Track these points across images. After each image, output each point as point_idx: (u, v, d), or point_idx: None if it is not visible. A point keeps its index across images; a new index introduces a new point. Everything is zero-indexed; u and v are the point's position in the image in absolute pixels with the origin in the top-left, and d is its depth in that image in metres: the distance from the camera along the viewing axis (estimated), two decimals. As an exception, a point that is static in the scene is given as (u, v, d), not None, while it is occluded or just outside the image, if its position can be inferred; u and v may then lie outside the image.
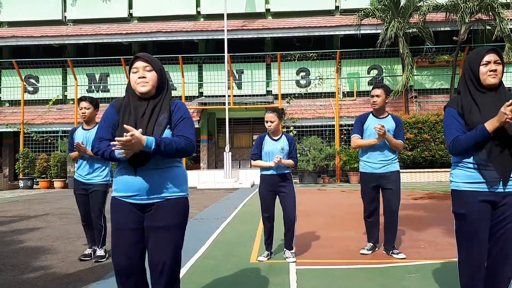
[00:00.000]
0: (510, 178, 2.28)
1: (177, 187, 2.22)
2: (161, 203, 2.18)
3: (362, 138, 4.17)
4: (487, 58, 2.30)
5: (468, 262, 2.36)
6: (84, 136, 4.18)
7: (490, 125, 2.19)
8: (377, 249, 4.39)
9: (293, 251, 4.14)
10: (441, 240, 4.98)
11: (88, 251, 4.36)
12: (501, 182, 2.27)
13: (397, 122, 4.17)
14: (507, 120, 2.11)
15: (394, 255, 4.14)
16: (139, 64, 2.17)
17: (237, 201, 9.43)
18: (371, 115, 4.23)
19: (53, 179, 14.57)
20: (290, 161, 4.10)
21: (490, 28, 14.48)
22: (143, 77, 2.14)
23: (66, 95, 17.97)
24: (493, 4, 13.83)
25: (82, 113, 4.18)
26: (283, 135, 4.15)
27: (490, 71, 2.29)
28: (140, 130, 2.00)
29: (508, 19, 14.03)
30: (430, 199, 9.21)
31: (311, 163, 14.32)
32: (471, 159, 2.33)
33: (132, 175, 2.15)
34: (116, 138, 1.98)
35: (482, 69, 2.31)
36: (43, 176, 14.75)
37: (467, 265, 2.38)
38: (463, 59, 15.57)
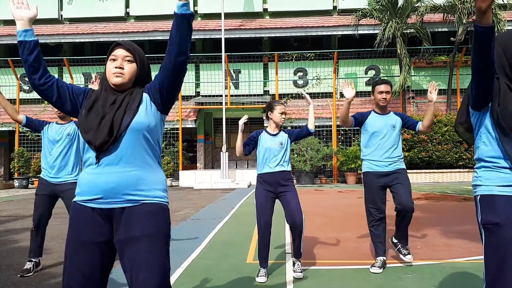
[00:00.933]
0: None
1: (153, 191, 1.82)
2: (135, 207, 1.77)
3: (354, 124, 3.96)
4: None
5: (501, 286, 1.75)
6: (57, 131, 3.93)
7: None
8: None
9: (299, 263, 3.68)
10: (438, 241, 4.97)
11: (29, 264, 3.84)
12: None
13: (401, 115, 4.00)
14: None
15: (401, 255, 3.85)
16: (119, 52, 1.89)
17: (234, 201, 9.40)
18: (373, 112, 3.95)
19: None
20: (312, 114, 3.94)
21: (487, 29, 14.49)
22: (120, 68, 1.86)
23: (62, 94, 17.89)
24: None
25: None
26: (281, 131, 3.82)
27: None
28: None
29: (505, 20, 14.08)
30: (426, 200, 9.21)
31: (308, 163, 14.31)
32: (505, 159, 1.82)
33: (99, 175, 1.78)
34: None
35: None
36: (38, 175, 14.63)
37: None
38: (461, 60, 15.62)
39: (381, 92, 3.88)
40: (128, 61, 1.90)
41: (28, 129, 15.51)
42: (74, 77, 16.71)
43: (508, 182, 1.82)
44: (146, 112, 1.85)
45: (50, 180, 3.92)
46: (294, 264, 3.70)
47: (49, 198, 3.96)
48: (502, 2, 14.33)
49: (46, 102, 16.75)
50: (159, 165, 1.93)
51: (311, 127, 3.86)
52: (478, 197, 1.91)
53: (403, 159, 3.96)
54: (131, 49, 1.91)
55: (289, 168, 3.77)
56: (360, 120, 3.96)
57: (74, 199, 1.88)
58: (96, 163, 1.80)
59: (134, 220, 1.76)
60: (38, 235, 3.95)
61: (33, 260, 3.90)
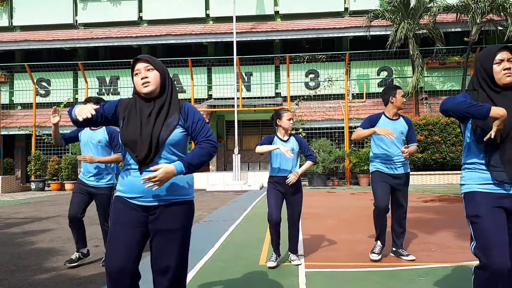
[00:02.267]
0: None
1: (182, 190, 2.18)
2: (166, 206, 2.14)
3: (371, 140, 4.20)
4: (499, 56, 2.20)
5: (487, 268, 2.13)
6: (88, 137, 4.12)
7: (496, 113, 2.02)
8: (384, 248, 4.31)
9: (299, 253, 4.13)
10: (452, 243, 4.93)
11: (76, 255, 4.22)
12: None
13: (409, 124, 4.19)
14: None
15: (403, 257, 4.14)
16: (140, 65, 2.16)
17: (246, 203, 9.44)
18: (383, 116, 4.17)
19: (64, 181, 14.73)
20: (306, 166, 4.11)
21: (501, 28, 14.31)
22: (146, 77, 2.13)
23: (77, 98, 18.17)
24: (505, 4, 13.67)
25: None
26: (292, 137, 4.12)
27: (504, 69, 2.18)
28: (164, 165, 2.03)
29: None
30: (440, 201, 9.12)
31: (320, 165, 14.27)
32: (483, 161, 2.22)
33: (138, 177, 2.10)
34: (141, 178, 2.04)
35: (496, 67, 2.20)
36: (54, 178, 14.92)
37: (485, 271, 2.14)
38: (474, 59, 15.41)
39: (403, 96, 4.14)
40: (150, 69, 2.15)
41: (51, 137, 15.81)
42: (89, 81, 16.97)
43: (485, 180, 2.21)
44: (179, 131, 2.16)
45: (87, 182, 4.17)
46: (289, 255, 4.15)
47: (83, 197, 4.19)
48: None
49: (61, 106, 17.06)
50: None
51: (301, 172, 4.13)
52: (463, 195, 2.33)
53: (408, 162, 4.23)
54: (149, 60, 2.17)
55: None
56: (370, 127, 4.11)
57: (117, 194, 2.21)
58: (138, 170, 2.12)
59: (165, 215, 2.13)
60: (75, 229, 4.23)
61: (80, 251, 4.23)
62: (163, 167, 2.01)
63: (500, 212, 2.18)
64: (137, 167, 2.12)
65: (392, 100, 4.10)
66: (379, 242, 4.18)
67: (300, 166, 4.15)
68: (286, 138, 4.08)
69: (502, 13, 13.98)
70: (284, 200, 4.10)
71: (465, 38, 14.84)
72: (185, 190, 2.20)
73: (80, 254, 4.24)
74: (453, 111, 2.15)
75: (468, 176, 2.30)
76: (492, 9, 13.82)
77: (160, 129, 2.09)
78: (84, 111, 2.08)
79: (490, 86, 2.22)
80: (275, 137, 4.11)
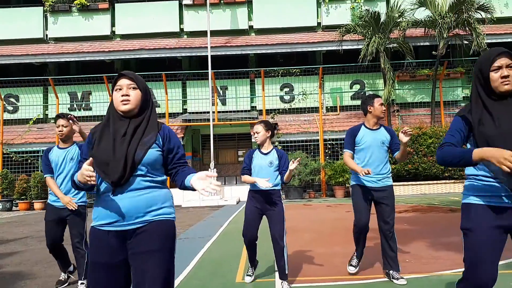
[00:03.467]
0: None
1: (160, 209, 2.05)
2: (144, 227, 2.00)
3: (354, 152, 3.96)
4: (497, 63, 2.05)
5: (470, 282, 2.10)
6: (60, 156, 3.96)
7: (479, 156, 1.92)
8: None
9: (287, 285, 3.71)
10: (426, 253, 5.00)
11: (63, 276, 4.19)
12: None
13: (391, 133, 4.01)
14: (503, 166, 1.81)
15: (394, 280, 3.82)
16: (123, 82, 2.06)
17: (223, 218, 9.34)
18: (363, 126, 3.99)
19: (33, 200, 14.22)
20: (288, 174, 3.78)
21: (467, 42, 14.89)
22: (127, 95, 2.04)
23: (47, 114, 17.71)
24: (469, 20, 14.26)
25: (59, 131, 3.94)
26: (274, 149, 3.93)
27: (502, 77, 2.03)
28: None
29: (484, 34, 14.47)
30: (414, 212, 9.27)
31: (296, 178, 14.32)
32: (486, 172, 2.10)
33: (112, 201, 1.98)
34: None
35: (493, 75, 2.06)
36: (22, 197, 14.37)
37: (467, 285, 2.12)
38: (443, 73, 15.95)
39: (382, 104, 3.94)
40: (133, 88, 2.07)
41: (19, 155, 15.31)
42: (60, 96, 16.57)
43: (485, 192, 2.09)
44: (156, 150, 2.07)
45: (56, 205, 3.98)
46: (282, 284, 3.72)
47: (58, 223, 4.03)
48: (481, 17, 14.73)
49: (31, 122, 16.59)
50: (165, 183, 2.14)
51: (285, 180, 3.83)
52: (461, 205, 2.23)
53: (391, 175, 4.04)
54: (134, 78, 2.09)
55: (279, 187, 3.91)
56: (353, 142, 3.96)
57: (92, 224, 2.07)
58: (112, 193, 2.00)
59: (143, 237, 1.99)
60: (57, 256, 4.15)
61: (66, 271, 4.20)
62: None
63: (495, 228, 2.07)
64: (109, 190, 1.99)
65: (370, 110, 3.93)
66: (356, 255, 4.13)
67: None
68: (267, 150, 3.92)
69: (467, 28, 14.57)
70: (265, 217, 3.90)
71: (433, 52, 15.34)
72: (164, 209, 2.07)
73: (67, 274, 4.19)
74: (449, 165, 2.14)
75: (468, 187, 2.20)
76: (457, 24, 14.38)
77: (135, 148, 1.99)
78: (87, 177, 1.89)
79: (488, 94, 2.09)
80: (256, 150, 3.96)
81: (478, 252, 2.06)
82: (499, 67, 2.06)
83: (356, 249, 4.13)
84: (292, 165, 3.65)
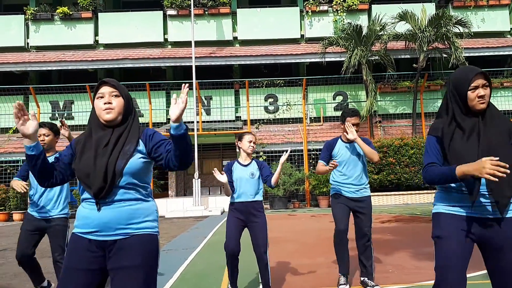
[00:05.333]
0: (510, 203, 2.10)
1: (143, 223, 1.97)
2: (125, 240, 1.93)
3: (327, 164, 4.07)
4: (475, 83, 2.14)
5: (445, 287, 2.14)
6: None
7: (462, 172, 1.99)
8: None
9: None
10: (408, 263, 5.06)
11: None
12: (488, 207, 2.10)
13: (367, 142, 4.09)
14: (486, 175, 1.89)
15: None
16: (105, 89, 2.01)
17: (207, 229, 9.27)
18: (339, 140, 4.12)
19: (12, 211, 13.87)
20: (276, 175, 3.82)
21: (446, 56, 15.29)
22: (109, 103, 1.98)
23: (27, 123, 17.38)
24: (448, 34, 14.68)
25: (41, 140, 3.77)
26: (253, 161, 3.94)
27: (479, 97, 2.13)
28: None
29: (462, 48, 14.89)
30: (397, 222, 9.38)
31: (281, 188, 14.36)
32: (453, 184, 2.17)
33: (93, 210, 1.93)
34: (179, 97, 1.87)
35: (471, 94, 2.14)
36: (1, 208, 14.01)
37: None
38: (423, 85, 16.31)
39: (353, 125, 3.98)
40: (115, 96, 2.02)
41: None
42: (41, 106, 16.33)
43: (454, 202, 2.18)
44: (139, 158, 2.00)
45: (35, 215, 3.82)
46: None
47: (33, 234, 3.84)
48: (459, 31, 15.17)
49: (10, 131, 16.26)
50: (150, 195, 2.08)
51: (273, 183, 3.82)
52: (432, 215, 2.33)
53: (369, 186, 4.16)
54: (116, 85, 2.04)
55: (260, 198, 3.88)
56: (329, 155, 4.13)
57: (73, 230, 2.01)
58: (96, 204, 1.94)
59: (124, 251, 1.91)
60: (28, 269, 3.90)
61: (39, 287, 3.97)
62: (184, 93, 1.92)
63: (464, 236, 2.14)
64: (93, 200, 1.94)
65: (342, 126, 4.09)
66: (342, 277, 4.04)
67: (265, 191, 3.97)
68: (247, 162, 3.91)
69: (446, 42, 14.98)
70: (248, 230, 3.85)
71: (414, 65, 15.70)
72: (146, 223, 1.99)
73: None
74: (437, 184, 2.20)
75: (438, 197, 2.29)
76: (437, 37, 14.78)
77: (116, 158, 1.93)
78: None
79: (462, 110, 2.18)
80: (235, 162, 3.95)
81: (448, 259, 2.13)
82: (476, 87, 2.14)
83: (339, 265, 4.07)
84: (283, 157, 3.73)
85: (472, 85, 2.14)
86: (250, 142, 3.88)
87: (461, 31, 15.19)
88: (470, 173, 1.96)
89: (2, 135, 16.65)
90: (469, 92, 2.15)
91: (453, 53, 14.64)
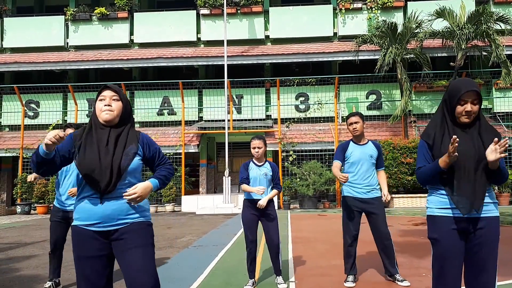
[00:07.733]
0: (484, 204, 2.29)
1: (139, 213, 2.26)
2: (126, 227, 2.20)
3: (343, 165, 4.30)
4: (465, 97, 2.29)
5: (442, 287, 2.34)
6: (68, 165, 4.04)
7: (442, 161, 2.25)
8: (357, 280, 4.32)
9: (290, 280, 4.14)
10: (444, 268, 4.90)
11: (48, 284, 4.19)
12: (472, 208, 2.27)
13: (378, 148, 4.33)
14: (450, 153, 2.17)
15: (398, 282, 4.12)
16: (107, 93, 2.25)
17: (237, 227, 9.33)
18: (351, 142, 4.34)
19: (51, 204, 14.44)
20: (272, 194, 4.23)
21: (486, 54, 14.69)
22: (109, 105, 2.22)
23: (66, 120, 18.05)
24: (489, 31, 14.09)
25: None
26: (267, 162, 4.30)
27: (466, 112, 2.29)
28: (140, 183, 2.20)
29: (503, 45, 14.26)
30: (431, 224, 9.11)
31: (311, 187, 14.25)
32: (442, 187, 2.37)
33: (96, 204, 2.17)
34: (124, 195, 2.16)
35: (458, 108, 2.31)
36: (40, 201, 14.64)
37: None
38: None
39: (351, 124, 4.27)
40: (116, 100, 2.25)
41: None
42: (78, 103, 16.92)
43: (444, 205, 2.35)
44: (137, 159, 2.27)
45: (60, 207, 4.18)
46: (276, 278, 4.22)
47: (62, 224, 4.18)
48: (500, 28, 14.55)
49: (50, 128, 16.92)
50: None
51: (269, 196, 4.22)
52: (426, 217, 2.48)
53: (379, 188, 4.30)
54: (117, 90, 2.28)
55: None
56: (343, 156, 4.31)
57: (73, 223, 2.23)
58: (99, 199, 2.18)
59: (128, 234, 2.20)
60: (55, 258, 4.23)
61: (53, 280, 4.21)
62: (140, 184, 2.17)
63: (457, 234, 2.32)
64: (96, 195, 2.17)
65: (347, 128, 4.37)
66: (348, 274, 4.23)
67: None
68: (261, 163, 4.27)
69: (486, 39, 14.38)
70: (260, 223, 4.23)
71: (451, 63, 15.18)
72: (143, 213, 2.28)
73: (53, 283, 4.20)
74: (428, 183, 2.41)
75: (430, 200, 2.45)
76: (476, 35, 14.22)
77: (120, 157, 2.18)
78: (51, 135, 2.03)
79: (452, 120, 2.38)
80: (251, 162, 4.29)
81: (445, 258, 2.31)
82: (465, 102, 2.30)
83: (345, 268, 4.26)
84: (263, 200, 4.09)
85: (462, 99, 2.29)
86: (254, 148, 4.20)
87: (503, 27, 14.55)
88: (447, 161, 2.21)
89: (43, 131, 17.36)
90: (458, 106, 2.32)
91: (493, 51, 14.02)
